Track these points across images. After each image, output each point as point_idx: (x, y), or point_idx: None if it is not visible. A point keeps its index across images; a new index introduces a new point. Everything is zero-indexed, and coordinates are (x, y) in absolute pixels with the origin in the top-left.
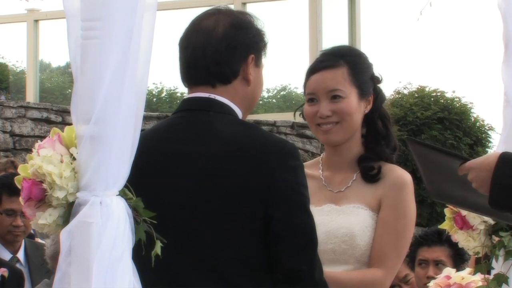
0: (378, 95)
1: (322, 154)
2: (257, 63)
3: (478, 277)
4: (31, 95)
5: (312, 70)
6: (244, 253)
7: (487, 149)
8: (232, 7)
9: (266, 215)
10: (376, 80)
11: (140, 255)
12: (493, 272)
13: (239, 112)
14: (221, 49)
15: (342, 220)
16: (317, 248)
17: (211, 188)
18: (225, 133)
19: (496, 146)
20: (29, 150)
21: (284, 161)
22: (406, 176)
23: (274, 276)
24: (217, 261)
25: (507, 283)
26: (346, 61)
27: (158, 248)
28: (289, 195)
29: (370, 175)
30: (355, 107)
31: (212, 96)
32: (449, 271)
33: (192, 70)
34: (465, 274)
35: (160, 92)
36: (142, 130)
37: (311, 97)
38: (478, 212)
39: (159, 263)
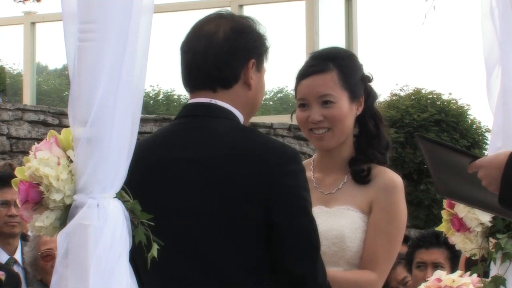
0: (369, 94)
1: (314, 155)
2: (259, 68)
3: (469, 279)
4: (28, 98)
5: (302, 75)
6: (247, 256)
7: (484, 151)
8: (229, 9)
9: (268, 219)
10: (366, 79)
11: (143, 258)
12: (490, 274)
13: (240, 117)
14: (222, 53)
15: (332, 222)
16: (320, 251)
17: (212, 192)
18: (226, 137)
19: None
20: (26, 153)
21: (285, 165)
22: (397, 179)
23: (277, 279)
24: (220, 265)
25: (504, 286)
26: (336, 65)
27: (154, 250)
28: (291, 199)
29: (361, 177)
30: (347, 111)
31: (213, 101)
32: (439, 273)
33: (193, 74)
34: (456, 277)
35: (157, 94)
36: (139, 133)
37: (302, 102)
38: (487, 210)
39: (163, 267)
